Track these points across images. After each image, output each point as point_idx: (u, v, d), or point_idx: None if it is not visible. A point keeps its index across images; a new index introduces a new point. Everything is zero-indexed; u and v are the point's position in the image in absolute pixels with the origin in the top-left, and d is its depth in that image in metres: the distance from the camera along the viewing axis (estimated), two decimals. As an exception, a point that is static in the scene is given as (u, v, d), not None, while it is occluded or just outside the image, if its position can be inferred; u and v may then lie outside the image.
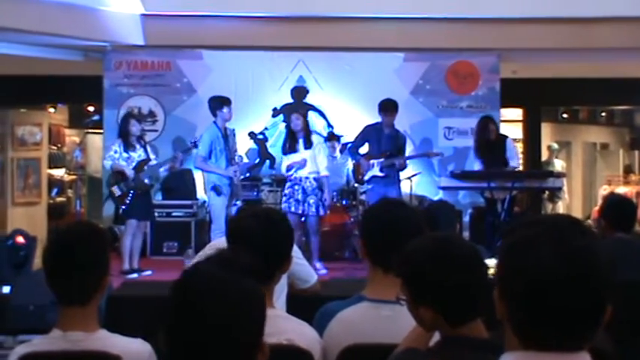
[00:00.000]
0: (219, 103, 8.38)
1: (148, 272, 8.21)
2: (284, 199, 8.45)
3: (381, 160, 8.58)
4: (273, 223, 2.75)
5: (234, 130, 8.63)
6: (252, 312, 1.66)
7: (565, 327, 1.51)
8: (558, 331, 1.51)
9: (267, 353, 1.68)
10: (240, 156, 8.75)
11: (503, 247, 1.58)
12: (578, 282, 1.49)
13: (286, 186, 8.49)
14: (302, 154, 8.33)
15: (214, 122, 8.37)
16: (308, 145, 8.36)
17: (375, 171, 8.61)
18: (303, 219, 8.32)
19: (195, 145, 8.61)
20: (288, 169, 8.39)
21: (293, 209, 8.18)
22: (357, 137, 8.99)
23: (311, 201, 8.28)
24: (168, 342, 1.64)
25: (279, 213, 3.10)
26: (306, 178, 8.33)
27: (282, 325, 2.50)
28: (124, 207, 8.15)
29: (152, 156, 8.35)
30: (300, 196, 8.28)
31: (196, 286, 1.65)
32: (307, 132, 8.46)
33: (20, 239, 6.93)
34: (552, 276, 1.49)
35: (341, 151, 10.12)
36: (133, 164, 8.14)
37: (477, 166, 8.92)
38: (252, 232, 2.67)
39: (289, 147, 8.43)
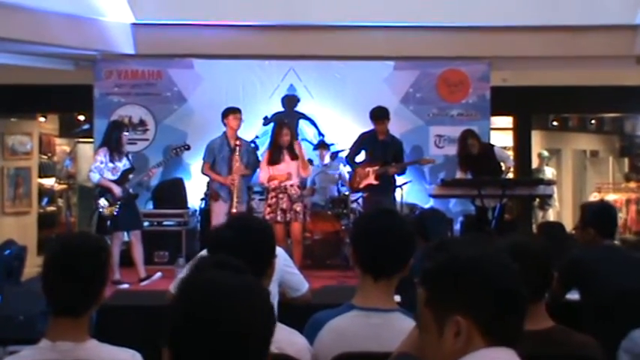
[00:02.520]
0: (225, 112, 8.60)
1: (159, 274, 8.32)
2: (268, 209, 8.31)
3: (376, 168, 8.59)
4: (250, 231, 2.76)
5: (250, 142, 8.78)
6: (268, 314, 1.62)
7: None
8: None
9: None
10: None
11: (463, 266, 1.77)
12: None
13: (269, 196, 8.39)
14: (288, 165, 8.33)
15: (224, 132, 8.61)
16: (293, 156, 8.36)
17: (371, 179, 8.62)
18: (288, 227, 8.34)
19: (177, 154, 8.85)
20: (271, 179, 8.36)
21: (279, 219, 8.16)
22: (352, 145, 9.02)
23: (297, 208, 8.27)
24: (172, 355, 1.57)
25: (257, 220, 3.10)
26: (291, 185, 8.32)
27: (272, 334, 2.50)
28: (110, 220, 8.13)
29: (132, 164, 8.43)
30: (285, 205, 8.26)
31: (212, 292, 1.57)
32: (291, 145, 8.47)
33: (13, 249, 6.89)
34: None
35: (331, 159, 10.12)
36: (118, 174, 8.15)
37: (457, 175, 8.97)
38: (229, 242, 2.68)
39: (275, 159, 8.41)
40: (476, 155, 8.87)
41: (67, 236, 2.73)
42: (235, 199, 8.39)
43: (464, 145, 8.94)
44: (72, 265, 2.45)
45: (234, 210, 8.30)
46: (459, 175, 8.99)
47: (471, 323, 1.70)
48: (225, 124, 8.57)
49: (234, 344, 1.53)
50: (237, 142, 8.50)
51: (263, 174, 8.46)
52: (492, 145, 9.27)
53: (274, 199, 8.30)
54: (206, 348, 1.53)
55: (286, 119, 9.54)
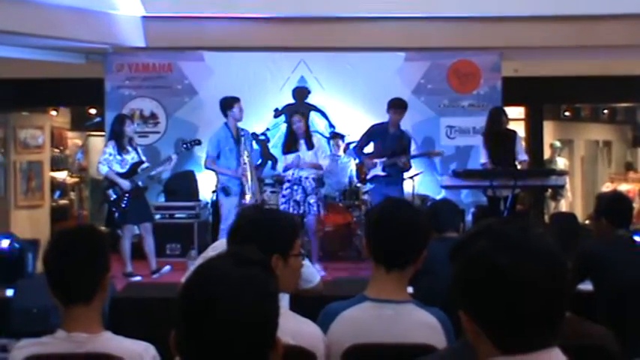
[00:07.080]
0: (228, 102, 8.44)
1: (167, 267, 8.31)
2: (282, 200, 8.39)
3: (384, 159, 8.56)
4: (274, 222, 2.74)
5: (247, 131, 8.64)
6: (271, 306, 1.62)
7: (544, 324, 1.51)
8: (539, 329, 1.50)
9: (281, 350, 1.62)
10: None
11: (466, 263, 1.55)
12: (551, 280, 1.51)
13: (284, 187, 8.44)
14: (304, 155, 8.31)
15: (225, 123, 8.43)
16: (310, 146, 8.36)
17: (378, 170, 8.59)
18: (303, 219, 8.32)
19: (188, 148, 8.76)
20: (286, 169, 8.38)
21: (292, 211, 8.13)
22: (362, 136, 8.96)
23: (311, 200, 8.28)
24: (180, 342, 1.58)
25: (281, 212, 3.10)
26: (306, 177, 8.32)
27: (285, 324, 2.50)
28: (119, 212, 8.14)
29: (143, 158, 8.41)
30: (299, 197, 8.26)
31: (213, 281, 1.58)
32: (308, 134, 8.47)
33: (5, 243, 6.78)
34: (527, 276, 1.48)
35: (344, 151, 10.11)
36: (127, 167, 8.16)
37: (482, 158, 8.84)
38: (252, 232, 2.66)
39: (289, 147, 8.41)
40: (502, 132, 8.73)
41: (61, 229, 2.79)
42: (250, 191, 8.31)
43: (498, 121, 8.77)
44: (66, 250, 2.50)
45: (249, 201, 8.23)
46: (483, 153, 8.83)
47: (474, 326, 1.53)
48: (226, 115, 8.43)
49: (232, 331, 1.54)
50: (242, 133, 8.40)
51: (281, 164, 8.53)
52: (516, 133, 9.13)
53: (288, 190, 8.31)
54: (205, 333, 1.54)
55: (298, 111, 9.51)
